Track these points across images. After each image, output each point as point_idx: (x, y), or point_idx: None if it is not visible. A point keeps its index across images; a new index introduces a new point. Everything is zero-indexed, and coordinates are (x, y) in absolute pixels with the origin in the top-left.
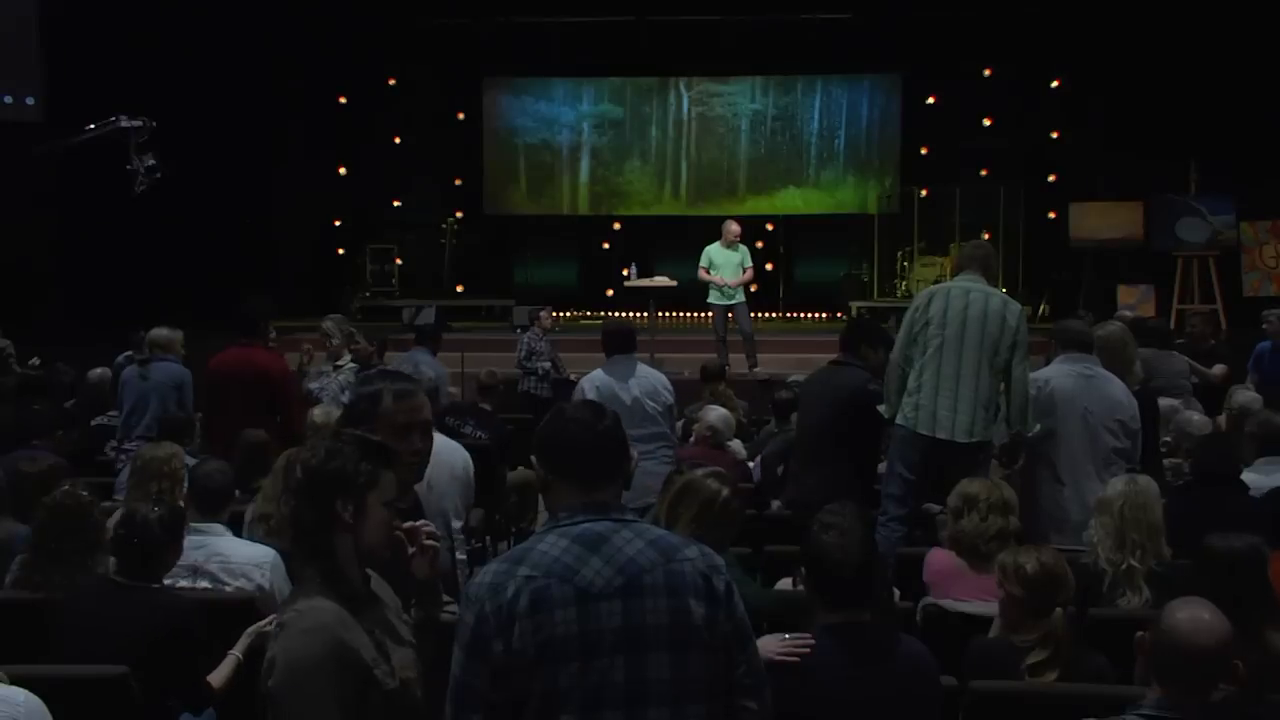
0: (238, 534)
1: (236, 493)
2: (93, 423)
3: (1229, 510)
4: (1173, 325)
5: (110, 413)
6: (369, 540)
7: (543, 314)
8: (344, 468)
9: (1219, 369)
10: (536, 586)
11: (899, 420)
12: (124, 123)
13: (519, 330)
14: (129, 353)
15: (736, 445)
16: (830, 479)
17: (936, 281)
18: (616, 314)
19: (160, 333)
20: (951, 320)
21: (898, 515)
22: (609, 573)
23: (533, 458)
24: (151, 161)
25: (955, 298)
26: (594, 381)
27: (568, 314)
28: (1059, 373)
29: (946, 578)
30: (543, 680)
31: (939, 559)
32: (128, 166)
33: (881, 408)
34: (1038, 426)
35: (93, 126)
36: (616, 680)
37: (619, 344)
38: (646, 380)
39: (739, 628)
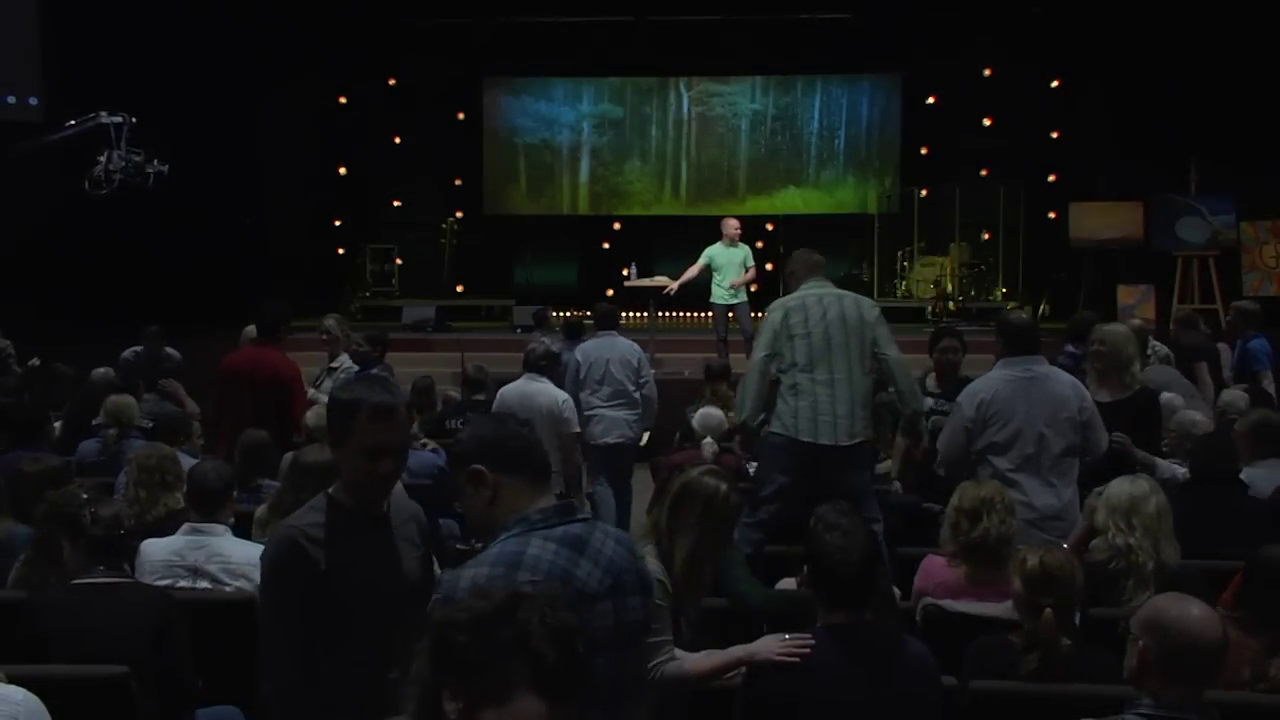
0: (243, 534)
1: (234, 493)
2: (94, 423)
3: (1229, 510)
4: (1170, 325)
5: None
6: None
7: (550, 315)
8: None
9: None
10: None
11: (776, 429)
12: (105, 118)
13: (520, 330)
14: (137, 348)
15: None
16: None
17: (935, 282)
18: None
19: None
20: (815, 328)
21: (762, 520)
22: (599, 574)
23: (479, 468)
24: (139, 157)
25: (813, 306)
26: (583, 349)
27: (567, 314)
28: (999, 379)
29: (946, 590)
30: None
31: (940, 571)
32: (99, 158)
33: (730, 413)
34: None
35: (73, 122)
36: (605, 679)
37: (603, 322)
38: (617, 350)
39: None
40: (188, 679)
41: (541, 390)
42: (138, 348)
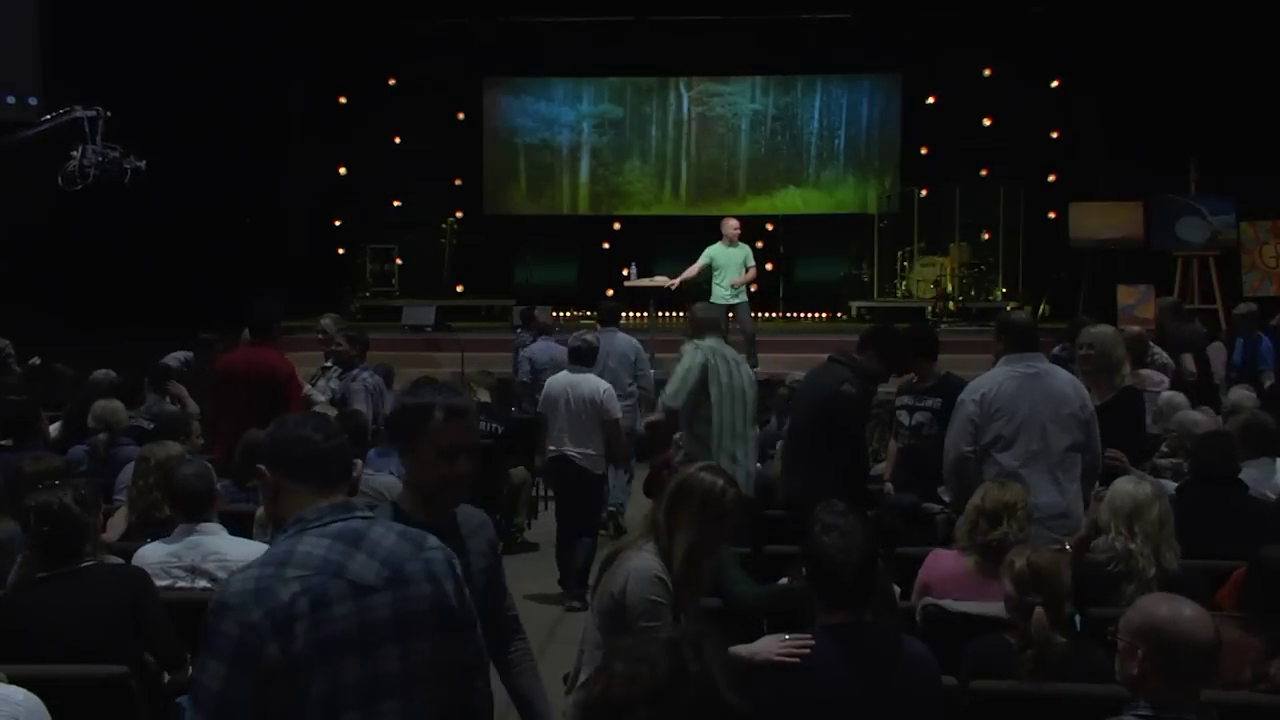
0: (243, 533)
1: (219, 489)
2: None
3: (1229, 510)
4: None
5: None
6: None
7: (536, 314)
8: None
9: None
10: (311, 585)
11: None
12: (79, 112)
13: (519, 329)
14: (182, 354)
15: None
16: (815, 479)
17: (935, 282)
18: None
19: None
20: (724, 386)
21: None
22: (375, 566)
23: (261, 466)
24: (115, 152)
25: (722, 367)
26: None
27: (568, 314)
28: (1004, 375)
29: (954, 584)
30: (325, 678)
31: (947, 563)
32: (72, 153)
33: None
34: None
35: (48, 117)
36: (391, 670)
37: (605, 318)
38: (616, 345)
39: (473, 608)
40: (170, 650)
41: (585, 380)
42: (185, 353)
